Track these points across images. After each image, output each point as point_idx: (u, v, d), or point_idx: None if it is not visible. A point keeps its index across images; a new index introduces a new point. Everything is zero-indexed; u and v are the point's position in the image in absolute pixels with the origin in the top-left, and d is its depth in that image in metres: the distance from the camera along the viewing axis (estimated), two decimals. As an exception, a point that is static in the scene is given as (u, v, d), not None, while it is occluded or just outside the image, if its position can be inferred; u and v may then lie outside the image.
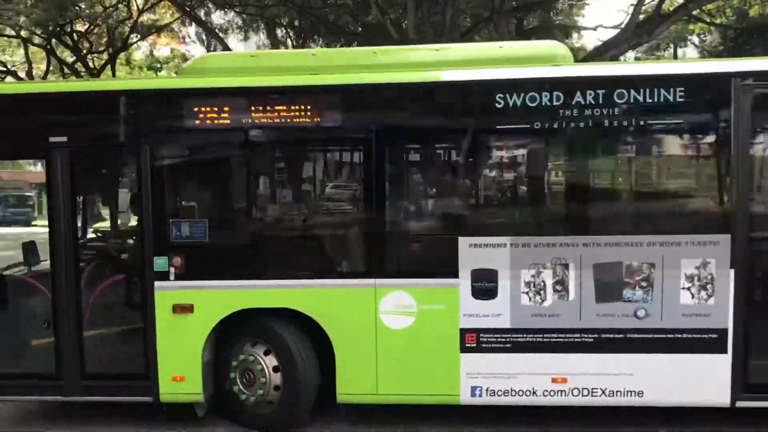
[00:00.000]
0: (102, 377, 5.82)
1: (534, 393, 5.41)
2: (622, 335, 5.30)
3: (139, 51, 47.15)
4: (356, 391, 5.62)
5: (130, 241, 6.22)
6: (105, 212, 7.12)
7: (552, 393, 5.39)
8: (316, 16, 26.50)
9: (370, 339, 5.53)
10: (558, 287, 5.34)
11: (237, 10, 39.34)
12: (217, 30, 45.85)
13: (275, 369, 5.69)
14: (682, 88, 5.19)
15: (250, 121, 5.75)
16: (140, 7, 40.22)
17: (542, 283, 5.35)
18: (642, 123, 5.42)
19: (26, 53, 41.81)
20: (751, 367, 5.20)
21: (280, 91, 5.75)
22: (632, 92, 5.27)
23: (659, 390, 5.33)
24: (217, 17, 45.63)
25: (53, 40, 40.14)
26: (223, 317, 5.64)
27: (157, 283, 5.65)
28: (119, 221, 6.60)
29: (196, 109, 5.68)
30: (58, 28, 37.47)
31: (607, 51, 17.55)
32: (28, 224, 46.01)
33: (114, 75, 42.67)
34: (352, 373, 5.57)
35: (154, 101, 5.86)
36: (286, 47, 50.45)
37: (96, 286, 6.01)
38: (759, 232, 5.17)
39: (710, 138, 5.56)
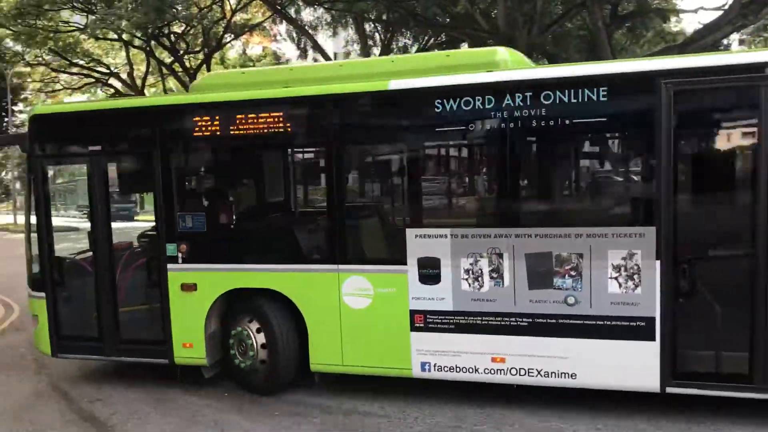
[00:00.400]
0: (133, 342, 6.98)
1: (476, 370, 5.87)
2: (554, 320, 5.62)
3: (233, 50, 48.50)
4: (326, 362, 6.36)
5: (151, 231, 7.14)
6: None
7: (492, 371, 5.82)
8: (405, 8, 26.32)
9: (335, 317, 6.25)
10: (494, 274, 5.75)
11: (326, 7, 39.73)
12: (306, 27, 46.53)
13: (262, 343, 6.53)
14: (608, 88, 5.42)
15: (229, 129, 6.59)
16: (233, 7, 41.36)
17: (480, 271, 5.78)
18: (570, 123, 5.66)
19: (127, 55, 43.71)
20: (679, 355, 5.36)
21: (247, 104, 6.53)
22: (558, 93, 5.53)
23: (591, 374, 5.59)
24: (307, 14, 46.18)
25: (152, 42, 41.83)
26: (219, 294, 6.57)
27: (169, 266, 6.69)
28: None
29: (194, 120, 6.66)
30: (157, 30, 38.94)
31: (709, 34, 16.53)
32: (131, 219, 48.45)
33: (209, 74, 44.06)
34: (322, 346, 6.31)
35: (158, 115, 6.95)
36: (374, 42, 50.65)
37: (127, 269, 7.17)
38: (684, 225, 5.33)
39: (636, 135, 5.79)
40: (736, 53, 6.59)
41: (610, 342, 5.50)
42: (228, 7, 41.00)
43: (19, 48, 42.84)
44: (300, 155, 7.24)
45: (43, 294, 7.23)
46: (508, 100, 5.68)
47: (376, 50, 51.90)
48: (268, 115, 6.44)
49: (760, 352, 5.14)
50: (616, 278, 5.44)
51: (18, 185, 48.13)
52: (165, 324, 6.75)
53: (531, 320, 5.70)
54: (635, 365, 5.45)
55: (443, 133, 6.34)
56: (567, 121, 5.66)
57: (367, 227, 6.58)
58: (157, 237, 6.78)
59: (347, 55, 51.49)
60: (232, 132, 6.59)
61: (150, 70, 46.13)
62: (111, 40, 41.57)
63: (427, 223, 6.27)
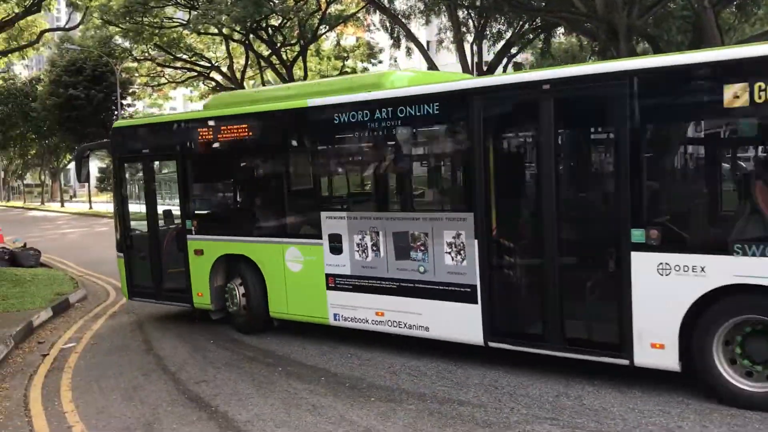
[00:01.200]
0: (172, 290, 9.59)
1: (367, 321, 7.62)
2: (412, 284, 7.20)
3: (328, 41, 49.13)
4: (278, 311, 8.49)
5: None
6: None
7: (377, 323, 7.53)
8: (499, -7, 25.87)
9: (282, 277, 8.34)
10: (374, 248, 7.45)
11: (419, -6, 39.55)
12: (399, 16, 46.51)
13: (243, 293, 8.82)
14: (439, 103, 6.89)
15: (217, 138, 8.99)
16: (328, -2, 41.90)
17: (365, 244, 7.53)
18: (417, 131, 7.44)
19: (227, 49, 45.10)
20: (498, 316, 6.65)
21: (218, 118, 8.89)
22: (407, 108, 7.06)
23: (439, 328, 7.06)
24: (400, 3, 46.29)
25: (251, 36, 42.96)
26: (216, 258, 8.94)
27: (188, 236, 9.21)
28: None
29: (198, 131, 9.12)
30: (255, 24, 40.00)
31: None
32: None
33: (305, 65, 44.87)
34: (275, 299, 8.46)
35: (177, 128, 9.42)
36: (467, 28, 50.01)
37: (171, 240, 9.68)
38: (495, 210, 6.63)
39: (459, 141, 7.12)
40: (524, 73, 8.86)
41: (449, 303, 6.90)
42: (323, 0, 41.56)
43: (127, 44, 44.99)
44: (260, 160, 9.08)
45: (122, 254, 10.12)
46: (376, 114, 7.32)
47: (470, 37, 51.33)
48: (230, 127, 8.76)
49: (550, 316, 6.24)
50: (449, 253, 6.87)
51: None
52: (186, 279, 9.22)
53: (398, 284, 7.31)
54: (467, 323, 6.75)
55: (342, 139, 8.08)
56: (415, 130, 7.42)
57: (299, 211, 8.51)
58: (181, 215, 9.36)
59: (440, 42, 51.22)
60: (218, 140, 8.99)
61: (249, 63, 47.44)
62: (212, 34, 43.03)
63: (333, 207, 8.24)
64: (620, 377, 6.05)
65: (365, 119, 7.42)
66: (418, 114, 7.04)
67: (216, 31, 41.60)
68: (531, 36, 46.66)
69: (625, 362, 5.84)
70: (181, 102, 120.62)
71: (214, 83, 51.15)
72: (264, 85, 51.95)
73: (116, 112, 50.41)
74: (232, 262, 8.90)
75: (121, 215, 10.12)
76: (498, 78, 7.23)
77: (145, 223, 9.94)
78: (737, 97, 5.16)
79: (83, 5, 25.96)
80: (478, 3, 37.10)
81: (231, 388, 6.63)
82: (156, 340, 8.79)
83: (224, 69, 47.40)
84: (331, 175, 8.55)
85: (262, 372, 7.12)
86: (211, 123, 8.92)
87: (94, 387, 6.93)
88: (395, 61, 48.84)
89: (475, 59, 48.37)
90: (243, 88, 48.13)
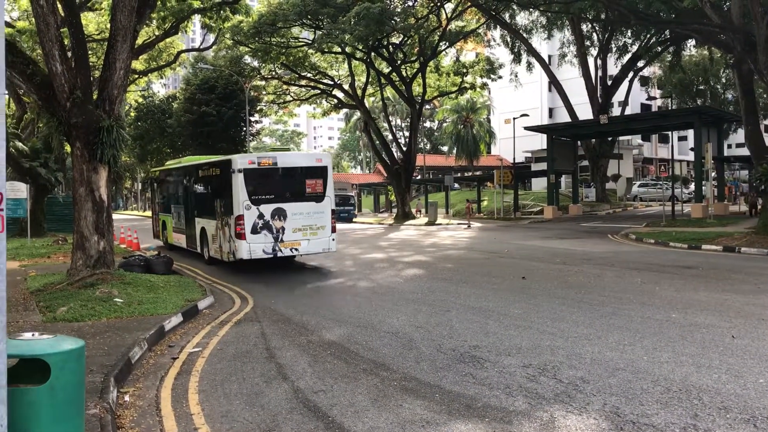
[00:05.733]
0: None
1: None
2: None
3: (447, 57, 49.24)
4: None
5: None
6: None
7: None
8: (625, 6, 25.02)
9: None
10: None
11: (541, 9, 38.96)
12: (521, 31, 45.77)
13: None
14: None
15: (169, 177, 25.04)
16: (449, 15, 42.07)
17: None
18: (204, 180, 20.93)
19: (350, 67, 46.26)
20: None
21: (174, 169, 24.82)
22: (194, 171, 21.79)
23: None
24: (522, 18, 45.84)
25: (372, 54, 43.87)
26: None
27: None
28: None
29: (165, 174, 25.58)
30: (377, 42, 40.84)
31: None
32: (349, 220, 51.17)
33: (424, 82, 45.20)
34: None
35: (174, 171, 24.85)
36: (591, 42, 48.55)
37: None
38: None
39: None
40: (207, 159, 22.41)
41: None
42: (444, 16, 41.81)
43: (255, 63, 47.03)
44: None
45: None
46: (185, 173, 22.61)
47: (594, 50, 49.74)
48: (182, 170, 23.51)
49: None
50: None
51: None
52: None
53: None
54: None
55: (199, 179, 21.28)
56: (203, 179, 20.82)
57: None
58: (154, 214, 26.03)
59: (563, 57, 50.14)
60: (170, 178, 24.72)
61: (369, 80, 48.32)
62: (335, 53, 44.29)
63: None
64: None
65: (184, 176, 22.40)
66: (201, 174, 20.77)
67: (339, 49, 42.82)
68: (659, 49, 44.88)
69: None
70: (305, 119, 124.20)
71: (335, 100, 52.51)
72: (383, 100, 52.53)
73: (244, 129, 52.75)
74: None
75: (154, 216, 25.40)
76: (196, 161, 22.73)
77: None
78: None
79: (216, 27, 27.49)
80: (603, 16, 36.04)
81: (347, 399, 6.73)
82: (277, 348, 9.08)
83: (346, 86, 48.59)
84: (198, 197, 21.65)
85: (377, 385, 7.19)
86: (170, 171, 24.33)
87: (219, 391, 7.23)
88: (516, 76, 48.31)
89: (599, 73, 47.08)
90: (364, 105, 49.12)
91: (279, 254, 17.40)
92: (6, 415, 3.83)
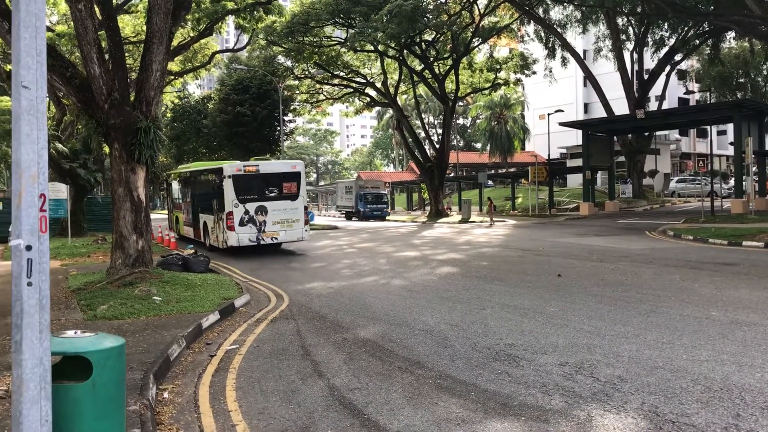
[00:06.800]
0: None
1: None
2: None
3: (480, 54, 48.93)
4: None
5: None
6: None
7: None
8: (662, -1, 24.59)
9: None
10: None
11: (576, 3, 38.49)
12: (555, 25, 45.28)
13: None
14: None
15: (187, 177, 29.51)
16: (482, 11, 41.82)
17: (204, 224, 25.60)
18: (204, 183, 26.04)
19: (382, 65, 46.26)
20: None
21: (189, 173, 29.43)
22: (196, 175, 27.55)
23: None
24: (556, 13, 45.33)
25: (404, 51, 43.82)
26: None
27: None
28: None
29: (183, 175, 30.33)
30: (409, 40, 40.77)
31: None
32: (382, 218, 51.21)
33: (457, 78, 45.00)
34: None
35: (184, 174, 30.17)
36: (627, 36, 47.79)
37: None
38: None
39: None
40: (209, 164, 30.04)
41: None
42: (477, 12, 41.56)
43: (288, 63, 47.33)
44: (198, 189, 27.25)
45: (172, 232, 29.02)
46: (190, 176, 28.23)
47: (629, 44, 48.98)
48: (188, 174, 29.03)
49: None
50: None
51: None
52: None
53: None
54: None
55: (200, 182, 26.48)
56: (203, 182, 25.83)
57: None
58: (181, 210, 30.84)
59: (598, 51, 49.47)
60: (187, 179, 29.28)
61: (402, 77, 48.25)
62: (367, 51, 44.34)
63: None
64: None
65: (192, 178, 27.66)
66: (200, 178, 26.29)
67: (372, 48, 42.86)
68: (697, 42, 44.01)
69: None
70: (337, 117, 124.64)
71: (368, 99, 52.58)
72: (416, 98, 52.41)
73: (278, 128, 53.10)
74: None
75: (170, 211, 31.76)
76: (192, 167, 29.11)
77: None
78: None
79: (250, 27, 27.76)
80: (639, 9, 35.44)
81: (383, 397, 6.75)
82: (313, 346, 9.13)
83: (378, 84, 48.60)
84: (196, 196, 27.08)
85: (412, 383, 7.19)
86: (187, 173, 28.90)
87: (256, 388, 7.31)
88: (550, 71, 47.82)
89: (635, 67, 46.34)
90: (396, 103, 49.09)
91: (262, 242, 22.07)
92: (50, 411, 3.92)
